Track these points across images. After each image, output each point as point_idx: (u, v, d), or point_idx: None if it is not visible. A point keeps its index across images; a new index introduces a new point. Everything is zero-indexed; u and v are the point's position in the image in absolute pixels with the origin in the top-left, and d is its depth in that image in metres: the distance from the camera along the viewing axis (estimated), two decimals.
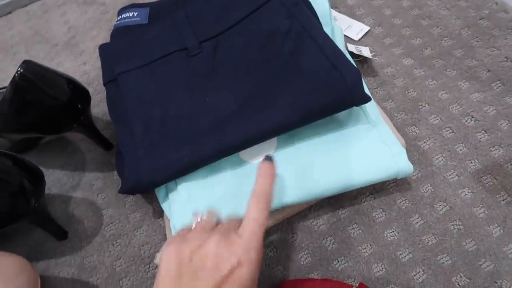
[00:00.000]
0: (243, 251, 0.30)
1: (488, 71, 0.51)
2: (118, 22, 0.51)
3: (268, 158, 0.35)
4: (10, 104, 0.39)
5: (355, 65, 0.48)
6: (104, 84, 0.46)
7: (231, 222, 0.34)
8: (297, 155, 0.42)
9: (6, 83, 0.63)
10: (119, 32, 0.50)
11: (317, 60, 0.41)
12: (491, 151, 0.45)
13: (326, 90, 0.39)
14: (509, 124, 0.47)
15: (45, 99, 0.40)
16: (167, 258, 0.31)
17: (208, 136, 0.41)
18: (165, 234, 0.45)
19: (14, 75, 0.38)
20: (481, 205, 0.42)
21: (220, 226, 0.33)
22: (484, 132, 0.47)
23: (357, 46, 0.54)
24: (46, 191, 0.50)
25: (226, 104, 0.41)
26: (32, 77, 0.38)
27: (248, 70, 0.43)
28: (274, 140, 0.44)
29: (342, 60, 0.40)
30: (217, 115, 0.41)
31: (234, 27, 0.45)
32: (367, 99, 0.40)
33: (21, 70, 0.38)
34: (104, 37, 0.65)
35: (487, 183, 0.44)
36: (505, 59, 0.51)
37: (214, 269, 0.29)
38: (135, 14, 0.51)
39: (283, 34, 0.43)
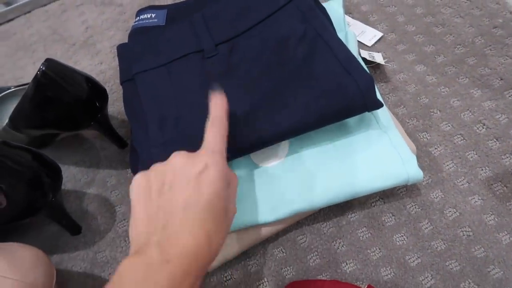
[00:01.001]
0: (207, 157, 0.32)
1: (501, 79, 0.51)
2: (136, 23, 0.52)
3: (217, 88, 0.38)
4: (31, 100, 0.41)
5: (368, 71, 0.49)
6: (121, 83, 0.47)
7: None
8: (309, 160, 0.43)
9: (25, 80, 0.64)
10: (136, 33, 0.51)
11: (331, 65, 0.41)
12: (502, 159, 0.46)
13: (339, 95, 0.40)
14: None
15: (65, 96, 0.41)
16: (135, 183, 0.33)
17: None
18: None
19: (37, 72, 0.39)
20: (491, 212, 0.42)
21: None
22: (495, 140, 0.47)
23: (370, 52, 0.54)
24: (61, 187, 0.51)
25: (240, 106, 0.42)
26: (54, 75, 0.40)
27: (262, 73, 0.43)
28: (286, 145, 0.45)
29: (355, 66, 0.41)
30: (231, 116, 0.42)
31: (250, 30, 0.46)
32: (379, 105, 0.40)
33: (43, 68, 0.39)
34: (121, 37, 0.66)
35: (497, 190, 0.44)
36: None
37: (182, 176, 0.31)
38: (153, 15, 0.52)
39: (297, 38, 0.44)
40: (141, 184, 0.32)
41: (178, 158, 0.33)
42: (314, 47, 0.43)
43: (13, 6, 0.73)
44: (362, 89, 0.39)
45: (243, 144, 0.41)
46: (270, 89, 0.42)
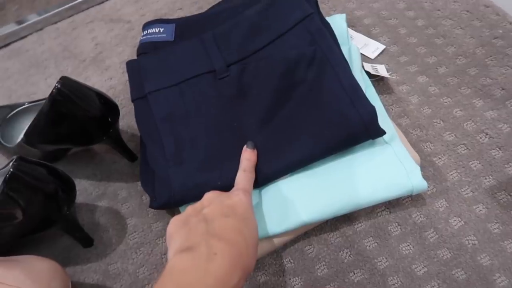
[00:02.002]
0: (240, 192, 0.38)
1: (502, 89, 0.52)
2: (144, 37, 0.54)
3: (250, 145, 0.44)
4: (46, 117, 0.42)
5: (372, 85, 0.50)
6: (133, 100, 0.49)
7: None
8: (315, 173, 0.44)
9: (37, 96, 0.66)
10: (145, 48, 0.53)
11: (336, 94, 0.44)
12: (506, 168, 0.46)
13: (343, 127, 0.42)
14: None
15: (79, 113, 0.43)
16: (173, 219, 0.36)
17: (237, 164, 0.43)
18: None
19: (52, 90, 0.40)
20: (495, 221, 0.43)
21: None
22: (498, 149, 0.48)
23: (373, 65, 0.56)
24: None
25: (252, 132, 0.45)
26: (68, 92, 0.41)
27: (272, 96, 0.45)
28: None
29: (359, 96, 0.43)
30: (243, 141, 0.44)
31: (261, 51, 0.48)
32: (382, 133, 0.43)
33: (59, 86, 0.40)
34: (129, 53, 0.68)
35: (501, 199, 0.44)
36: None
37: (218, 202, 0.36)
38: (161, 30, 0.53)
39: (307, 61, 0.45)
40: (178, 218, 0.36)
41: (212, 193, 0.38)
42: (322, 72, 0.45)
43: (25, 24, 0.75)
44: (365, 121, 0.41)
45: (259, 177, 0.43)
46: (280, 120, 0.45)
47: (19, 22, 0.76)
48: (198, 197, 0.43)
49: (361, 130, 0.42)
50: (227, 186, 0.42)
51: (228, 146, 0.44)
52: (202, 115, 0.46)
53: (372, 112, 0.42)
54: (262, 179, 0.43)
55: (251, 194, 0.40)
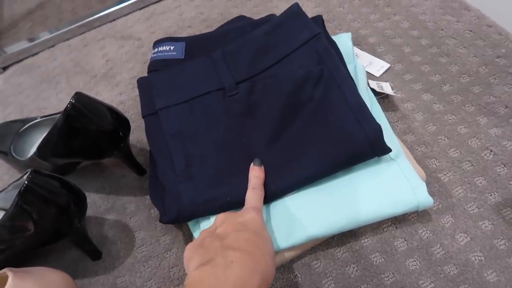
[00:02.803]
0: (251, 210, 0.39)
1: (506, 107, 0.53)
2: (155, 55, 0.55)
3: (256, 163, 0.45)
4: (60, 131, 0.43)
5: (377, 103, 0.51)
6: (143, 117, 0.50)
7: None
8: (321, 189, 0.45)
9: (48, 111, 0.67)
10: (156, 66, 0.54)
11: (343, 112, 0.45)
12: (511, 184, 0.47)
13: (349, 145, 0.43)
14: None
15: (91, 127, 0.44)
16: (187, 250, 0.37)
17: (246, 180, 0.44)
18: None
19: (67, 105, 0.42)
20: (501, 237, 0.43)
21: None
22: (503, 166, 0.48)
23: (378, 82, 0.57)
24: None
25: (260, 149, 0.46)
26: (82, 107, 0.42)
27: (280, 114, 0.46)
28: None
29: (365, 115, 0.44)
30: (252, 159, 0.45)
31: (269, 70, 0.49)
32: (387, 150, 0.43)
33: (73, 101, 0.42)
34: (139, 69, 0.70)
35: (507, 215, 0.45)
36: None
37: (230, 221, 0.37)
38: (172, 48, 0.55)
39: (314, 80, 0.47)
40: (193, 243, 0.37)
41: (223, 214, 0.40)
42: (328, 91, 0.46)
43: (38, 41, 0.77)
44: (371, 139, 0.42)
45: (267, 194, 0.44)
46: (288, 138, 0.46)
47: (32, 39, 0.78)
48: (207, 212, 0.44)
49: (366, 148, 0.43)
50: (236, 202, 0.43)
51: (237, 163, 0.45)
52: (211, 131, 0.47)
53: (377, 130, 0.43)
54: (269, 195, 0.44)
55: (262, 211, 0.41)
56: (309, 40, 0.49)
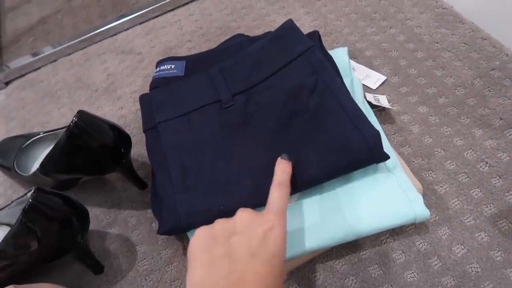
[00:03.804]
0: (274, 217, 0.35)
1: (501, 119, 0.54)
2: (157, 73, 0.57)
3: (284, 157, 0.42)
4: (62, 148, 0.44)
5: (374, 115, 0.52)
6: (144, 131, 0.51)
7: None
8: (318, 203, 0.46)
9: (50, 126, 0.68)
10: (157, 83, 0.55)
11: (340, 119, 0.45)
12: (506, 196, 0.47)
13: (348, 150, 0.43)
14: None
15: (93, 144, 0.45)
16: (198, 232, 0.35)
17: (241, 188, 0.45)
18: None
19: (70, 123, 0.43)
20: (497, 249, 0.44)
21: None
22: (498, 178, 0.49)
23: (375, 95, 0.58)
24: None
25: (257, 157, 0.46)
26: (85, 125, 0.43)
27: (276, 124, 0.47)
28: None
29: (363, 121, 0.44)
30: (248, 167, 0.46)
31: (264, 82, 0.50)
32: (386, 157, 0.44)
33: (76, 120, 0.43)
34: (140, 83, 0.71)
35: (503, 227, 0.45)
36: None
37: (249, 230, 0.34)
38: (173, 66, 0.56)
39: (309, 90, 0.48)
40: (206, 234, 0.35)
41: (245, 214, 0.36)
42: (324, 100, 0.47)
43: (40, 56, 0.79)
44: (370, 145, 0.43)
45: (262, 199, 0.44)
46: (285, 143, 0.46)
47: (34, 54, 0.80)
48: (203, 222, 0.44)
49: (365, 153, 0.43)
50: (230, 211, 0.43)
51: (232, 172, 0.46)
52: (208, 142, 0.48)
53: (376, 135, 0.43)
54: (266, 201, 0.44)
55: (286, 215, 0.37)
56: (303, 53, 0.50)
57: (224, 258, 0.32)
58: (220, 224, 0.36)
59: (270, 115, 0.48)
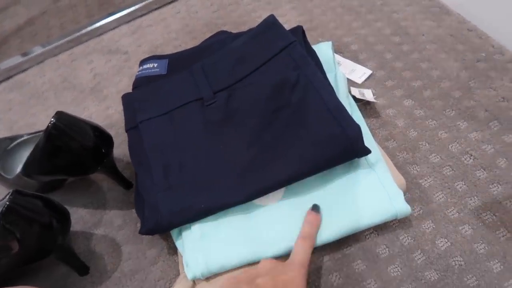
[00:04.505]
0: (296, 269, 0.37)
1: (486, 111, 0.53)
2: (140, 72, 0.57)
3: (315, 208, 0.43)
4: (42, 150, 0.44)
5: (358, 110, 0.52)
6: (126, 131, 0.51)
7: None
8: (302, 200, 0.45)
9: (37, 127, 0.68)
10: (140, 82, 0.55)
11: (322, 114, 0.45)
12: (490, 188, 0.47)
13: (330, 145, 0.43)
14: (507, 162, 0.49)
15: (73, 145, 0.45)
16: (228, 280, 0.37)
17: (223, 185, 0.44)
18: (179, 270, 0.47)
19: (48, 125, 0.42)
20: (481, 241, 0.44)
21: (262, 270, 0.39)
22: (483, 170, 0.49)
23: (360, 90, 0.57)
24: (70, 229, 0.54)
25: (239, 154, 0.46)
26: (63, 126, 0.43)
27: (259, 119, 0.47)
28: (281, 190, 0.47)
29: (345, 116, 0.44)
30: (231, 164, 0.45)
31: (246, 78, 0.50)
32: (367, 152, 0.44)
33: (54, 120, 0.42)
34: (126, 83, 0.70)
35: (486, 219, 0.45)
36: (502, 99, 0.54)
37: (273, 277, 0.36)
38: (155, 65, 0.56)
39: (291, 85, 0.47)
40: (231, 283, 0.38)
41: (268, 263, 0.39)
42: (306, 95, 0.47)
43: (27, 57, 0.78)
44: (351, 139, 0.43)
45: (245, 194, 0.44)
46: (267, 139, 0.46)
47: (22, 56, 0.79)
48: (185, 221, 0.44)
49: (347, 147, 0.43)
50: (212, 209, 0.44)
51: (215, 170, 0.46)
52: (190, 140, 0.48)
53: (357, 130, 0.43)
54: (249, 197, 0.44)
55: (307, 266, 0.39)
56: (285, 48, 0.50)
57: None
58: (244, 271, 0.38)
59: (252, 112, 0.48)
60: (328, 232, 0.43)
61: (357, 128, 0.43)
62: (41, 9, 0.91)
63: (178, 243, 0.46)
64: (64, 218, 0.44)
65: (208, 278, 0.44)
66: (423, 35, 0.64)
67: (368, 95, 0.57)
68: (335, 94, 0.47)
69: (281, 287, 0.35)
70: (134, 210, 0.54)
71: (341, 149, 0.43)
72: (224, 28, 0.74)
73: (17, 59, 0.79)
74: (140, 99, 0.52)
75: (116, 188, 0.57)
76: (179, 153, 0.47)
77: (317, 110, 0.46)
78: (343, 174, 0.46)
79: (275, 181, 0.44)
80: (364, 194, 0.44)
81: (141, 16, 0.82)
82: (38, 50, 0.80)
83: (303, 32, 0.56)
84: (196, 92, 0.50)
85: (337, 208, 0.44)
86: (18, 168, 0.58)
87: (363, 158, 0.46)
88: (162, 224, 0.44)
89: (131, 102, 0.52)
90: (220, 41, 0.56)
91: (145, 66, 0.57)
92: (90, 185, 0.58)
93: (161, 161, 0.47)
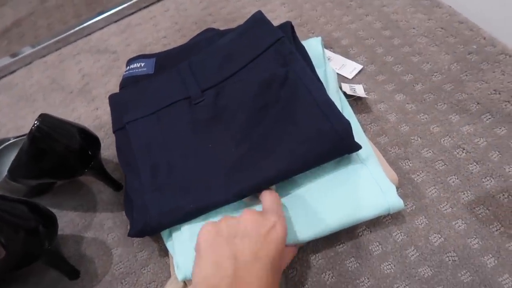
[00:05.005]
0: (275, 218, 0.37)
1: (478, 104, 0.53)
2: (127, 72, 0.56)
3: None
4: (27, 153, 0.43)
5: (349, 106, 0.51)
6: (114, 132, 0.50)
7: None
8: (294, 197, 0.45)
9: (26, 129, 0.67)
10: (127, 82, 0.54)
11: (310, 109, 0.44)
12: (483, 182, 0.47)
13: (319, 141, 0.42)
14: (500, 155, 0.48)
15: (58, 148, 0.44)
16: (205, 229, 0.37)
17: (213, 184, 0.44)
18: (170, 272, 0.47)
19: (31, 127, 0.41)
20: (474, 236, 0.43)
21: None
22: (475, 164, 0.48)
23: (351, 85, 0.57)
24: (60, 232, 0.53)
25: (228, 152, 0.45)
26: (47, 129, 0.42)
27: (247, 117, 0.46)
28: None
29: (334, 112, 0.43)
30: (220, 162, 0.45)
31: (234, 75, 0.49)
32: (357, 147, 0.43)
33: (38, 123, 0.41)
34: (115, 83, 0.69)
35: (480, 214, 0.45)
36: (494, 92, 0.53)
37: (253, 231, 0.35)
38: (142, 64, 0.55)
39: (279, 82, 0.47)
40: (211, 231, 0.36)
41: (250, 215, 0.37)
42: (295, 91, 0.46)
43: (15, 58, 0.77)
44: (341, 135, 0.42)
45: (234, 193, 0.43)
46: (256, 136, 0.45)
47: (10, 57, 0.78)
48: (174, 222, 0.44)
49: (336, 143, 0.42)
50: (201, 208, 0.43)
51: (202, 169, 0.45)
52: (178, 140, 0.47)
53: (346, 125, 0.43)
54: (237, 195, 0.43)
55: (284, 214, 0.40)
56: (273, 44, 0.49)
57: (228, 259, 0.34)
58: (226, 222, 0.37)
59: (241, 109, 0.47)
60: (320, 228, 0.42)
61: (347, 123, 0.43)
62: (28, 10, 0.90)
63: (168, 245, 0.45)
64: (51, 222, 0.43)
65: None
66: (414, 28, 0.63)
67: (359, 90, 0.56)
68: (325, 90, 0.47)
69: (260, 246, 0.34)
70: (124, 212, 0.53)
71: (331, 145, 0.42)
72: (214, 25, 0.73)
73: (4, 61, 0.78)
74: (127, 99, 0.51)
75: (106, 190, 0.56)
76: (167, 153, 0.46)
77: (306, 106, 0.45)
78: (334, 170, 0.45)
79: (265, 178, 0.43)
80: (356, 189, 0.43)
81: (129, 14, 0.81)
82: (26, 51, 0.78)
83: (292, 27, 0.55)
84: (184, 91, 0.49)
85: (329, 203, 0.43)
86: (5, 172, 0.57)
87: (354, 154, 0.45)
88: (151, 225, 0.43)
89: (118, 103, 0.51)
90: (208, 38, 0.55)
91: (132, 66, 0.56)
92: (80, 187, 0.58)
93: (149, 162, 0.46)
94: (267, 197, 0.41)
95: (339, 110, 0.44)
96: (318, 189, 0.44)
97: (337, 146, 0.42)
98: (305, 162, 0.43)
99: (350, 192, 0.43)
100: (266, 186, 0.43)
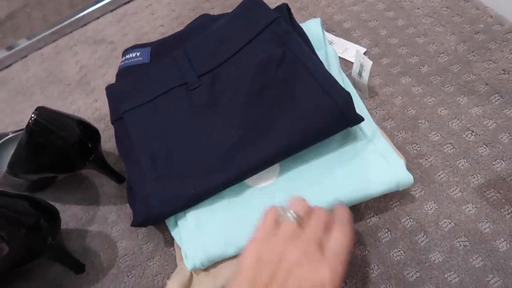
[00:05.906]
0: (327, 273, 0.30)
1: (486, 84, 0.51)
2: (123, 63, 0.54)
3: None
4: (25, 147, 0.42)
5: (353, 88, 0.50)
6: (112, 123, 0.49)
7: (315, 228, 0.34)
8: (299, 178, 0.44)
9: (24, 124, 0.66)
10: (123, 73, 0.53)
11: (309, 85, 0.43)
12: (493, 165, 0.46)
13: (319, 115, 0.41)
14: (510, 137, 0.47)
15: (57, 141, 0.43)
16: (247, 254, 0.33)
17: (212, 168, 0.43)
18: (177, 263, 0.46)
19: (28, 121, 0.40)
20: (486, 220, 0.42)
21: (303, 235, 0.33)
22: (485, 146, 0.47)
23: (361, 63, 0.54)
24: (63, 226, 0.52)
25: (227, 135, 0.44)
26: (45, 122, 0.41)
27: (246, 100, 0.45)
28: (276, 166, 0.45)
29: (332, 84, 0.42)
30: (219, 146, 0.44)
31: (230, 59, 0.48)
32: (359, 119, 0.42)
33: (35, 116, 0.40)
34: (113, 74, 0.67)
35: (490, 197, 0.44)
36: (503, 72, 0.52)
37: (299, 279, 0.30)
38: (138, 54, 0.54)
39: (276, 62, 0.45)
40: (256, 258, 0.32)
41: (295, 257, 0.31)
42: (292, 69, 0.45)
43: (10, 52, 0.76)
44: (341, 107, 0.41)
45: (235, 174, 0.42)
46: (255, 117, 0.44)
47: (8, 48, 0.77)
48: (177, 209, 0.43)
49: (337, 116, 0.41)
50: (201, 194, 0.43)
51: (202, 154, 0.44)
52: (177, 127, 0.46)
53: (346, 96, 0.41)
54: (241, 174, 0.42)
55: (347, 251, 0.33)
56: (268, 25, 0.47)
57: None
58: (271, 249, 0.32)
59: (239, 92, 0.46)
60: (327, 204, 0.41)
61: (347, 95, 0.41)
62: (22, 1, 0.88)
63: (174, 234, 0.45)
64: (53, 217, 0.42)
65: (207, 268, 0.42)
66: (418, 8, 0.62)
67: (366, 65, 0.53)
68: (324, 66, 0.45)
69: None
70: (127, 205, 0.53)
71: (331, 117, 0.41)
72: (212, 12, 0.72)
73: (2, 53, 0.76)
74: (124, 89, 0.50)
75: (108, 183, 0.55)
76: (165, 140, 0.46)
77: (305, 83, 0.44)
78: (339, 147, 0.44)
79: (266, 157, 0.42)
80: (364, 164, 0.42)
81: (125, 3, 0.79)
82: (22, 44, 0.77)
83: (289, 9, 0.53)
84: (180, 77, 0.48)
85: (335, 180, 0.42)
86: (5, 168, 0.56)
87: (359, 132, 0.44)
88: (153, 214, 0.42)
89: (114, 93, 0.50)
90: (202, 24, 0.54)
91: (128, 56, 0.55)
92: (82, 181, 0.57)
93: (148, 150, 0.45)
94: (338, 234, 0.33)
95: (339, 83, 0.43)
96: (325, 166, 0.43)
97: (337, 119, 0.41)
98: (306, 137, 0.42)
99: (357, 168, 0.42)
100: (268, 165, 0.43)
